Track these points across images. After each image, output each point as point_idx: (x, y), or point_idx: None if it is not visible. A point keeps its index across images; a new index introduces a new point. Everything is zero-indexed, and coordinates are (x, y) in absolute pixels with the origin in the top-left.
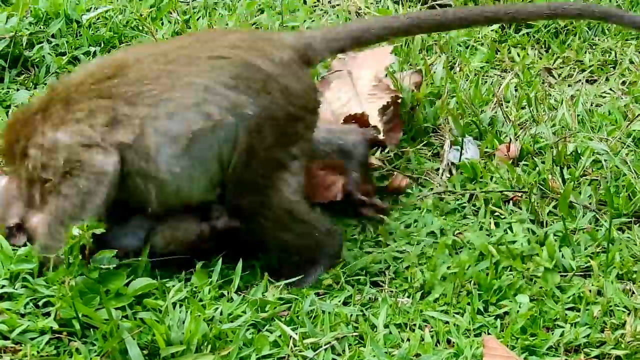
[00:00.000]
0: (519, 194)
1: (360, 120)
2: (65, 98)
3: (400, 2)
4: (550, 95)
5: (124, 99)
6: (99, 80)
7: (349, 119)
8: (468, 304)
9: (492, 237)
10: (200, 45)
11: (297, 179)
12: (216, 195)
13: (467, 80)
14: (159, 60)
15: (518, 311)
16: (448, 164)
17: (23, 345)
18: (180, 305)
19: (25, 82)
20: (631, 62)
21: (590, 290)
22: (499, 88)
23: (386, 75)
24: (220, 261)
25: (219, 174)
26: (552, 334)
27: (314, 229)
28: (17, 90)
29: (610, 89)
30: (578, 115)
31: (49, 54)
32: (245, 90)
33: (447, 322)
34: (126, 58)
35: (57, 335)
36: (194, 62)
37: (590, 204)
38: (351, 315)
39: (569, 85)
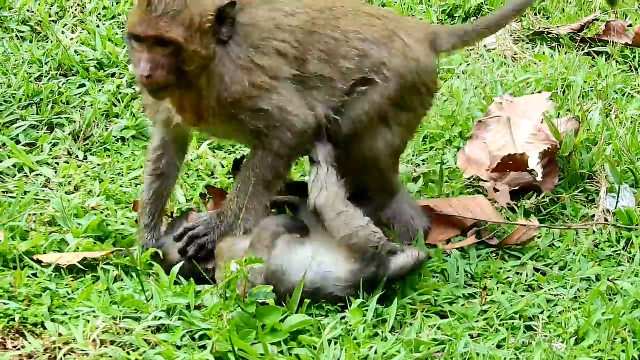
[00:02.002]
0: None
1: (518, 162)
2: None
3: (556, 48)
4: None
5: None
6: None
7: (506, 160)
8: (623, 351)
9: None
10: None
11: (396, 142)
12: None
13: (623, 127)
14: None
15: None
16: (604, 211)
17: None
18: (335, 343)
19: None
20: None
21: None
22: None
23: (542, 122)
24: (375, 299)
25: None
26: None
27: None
28: None
29: None
30: None
31: None
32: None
33: None
34: None
35: None
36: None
37: None
38: (505, 358)
39: None
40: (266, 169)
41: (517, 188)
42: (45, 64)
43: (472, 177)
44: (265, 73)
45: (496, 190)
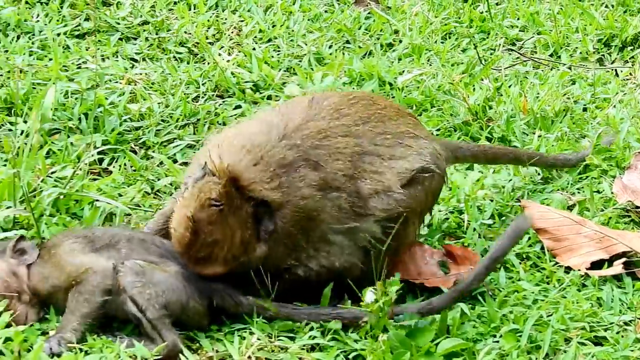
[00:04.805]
0: None
1: None
2: None
3: None
4: None
5: None
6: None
7: None
8: None
9: None
10: None
11: None
12: None
13: None
14: None
15: None
16: None
17: None
18: None
19: None
20: None
21: None
22: None
23: None
24: (529, 324)
25: None
26: None
27: None
28: None
29: None
30: None
31: None
32: None
33: None
34: None
35: None
36: None
37: None
38: None
39: None
40: None
41: None
42: (202, 84)
43: (627, 204)
44: None
45: None
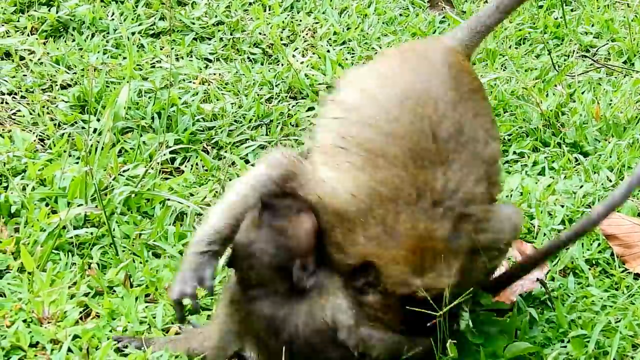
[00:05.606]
0: None
1: None
2: None
3: None
4: None
5: None
6: None
7: None
8: None
9: None
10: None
11: None
12: None
13: None
14: None
15: None
16: None
17: None
18: None
19: None
20: None
21: None
22: None
23: None
24: (597, 330)
25: None
26: None
27: None
28: None
29: None
30: None
31: None
32: None
33: None
34: None
35: None
36: None
37: None
38: None
39: None
40: None
41: None
42: (276, 86)
43: None
44: None
45: None
